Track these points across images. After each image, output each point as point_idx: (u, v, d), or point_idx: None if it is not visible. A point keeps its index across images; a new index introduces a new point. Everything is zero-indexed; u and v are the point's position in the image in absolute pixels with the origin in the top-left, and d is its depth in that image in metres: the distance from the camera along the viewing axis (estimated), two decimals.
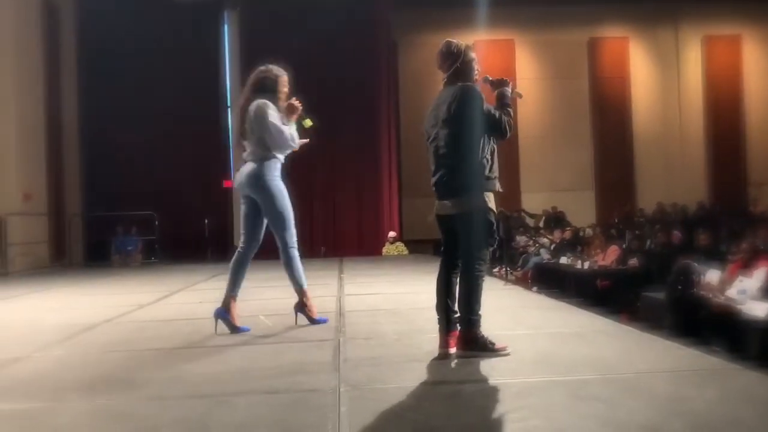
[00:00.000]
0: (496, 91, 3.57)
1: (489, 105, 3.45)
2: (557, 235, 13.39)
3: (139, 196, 13.16)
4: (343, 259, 11.47)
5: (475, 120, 3.39)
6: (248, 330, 4.25)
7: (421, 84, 16.58)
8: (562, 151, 16.88)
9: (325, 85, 13.87)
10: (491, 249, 3.53)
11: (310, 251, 13.25)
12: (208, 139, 14.48)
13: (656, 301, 5.93)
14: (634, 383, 2.76)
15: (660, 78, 17.36)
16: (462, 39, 14.86)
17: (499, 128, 3.41)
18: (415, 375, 2.98)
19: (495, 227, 3.47)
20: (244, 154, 4.36)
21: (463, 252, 3.45)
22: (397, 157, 14.78)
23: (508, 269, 13.02)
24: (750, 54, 17.24)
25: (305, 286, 4.40)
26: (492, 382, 2.87)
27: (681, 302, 5.27)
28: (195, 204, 13.79)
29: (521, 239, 14.96)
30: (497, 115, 3.41)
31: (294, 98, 4.42)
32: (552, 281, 9.47)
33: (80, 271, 11.42)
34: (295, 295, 4.43)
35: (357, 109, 14.21)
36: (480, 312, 3.40)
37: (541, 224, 15.36)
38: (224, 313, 4.26)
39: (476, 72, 3.60)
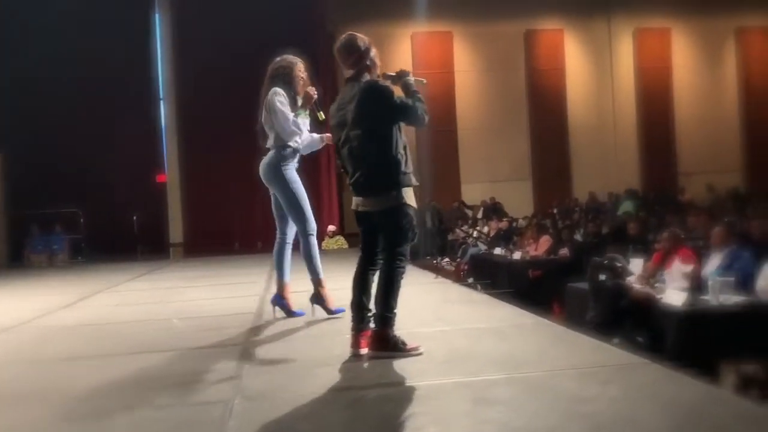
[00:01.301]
0: (399, 84, 3.46)
1: (400, 96, 3.35)
2: (493, 225, 13.53)
3: (66, 193, 12.61)
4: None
5: (386, 116, 3.30)
6: (303, 314, 4.43)
7: None
8: (500, 143, 17.02)
9: (259, 76, 13.52)
10: (411, 243, 3.44)
11: (246, 247, 13.02)
12: (139, 133, 14.01)
13: (581, 291, 5.99)
14: (541, 383, 2.71)
15: (594, 70, 17.67)
16: (400, 31, 14.94)
17: (416, 116, 3.32)
18: (321, 380, 2.87)
19: (414, 222, 3.40)
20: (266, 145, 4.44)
21: (383, 248, 3.37)
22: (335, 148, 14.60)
23: (448, 261, 13.24)
24: (679, 47, 17.72)
25: (322, 276, 4.43)
26: (398, 385, 2.78)
27: (602, 292, 5.32)
28: (124, 200, 13.33)
29: (460, 231, 15.10)
30: (411, 102, 3.32)
31: (311, 87, 4.42)
32: (486, 272, 9.52)
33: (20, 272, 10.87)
34: (310, 286, 4.46)
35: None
36: (396, 310, 3.31)
37: (480, 215, 15.48)
38: (280, 299, 4.47)
39: (379, 67, 3.50)
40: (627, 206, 13.70)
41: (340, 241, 13.17)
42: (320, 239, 13.36)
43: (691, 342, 4.78)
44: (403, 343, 3.27)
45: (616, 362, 3.01)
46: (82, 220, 12.30)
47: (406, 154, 3.38)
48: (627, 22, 17.59)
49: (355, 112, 3.32)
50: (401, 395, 2.62)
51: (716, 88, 17.85)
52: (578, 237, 9.98)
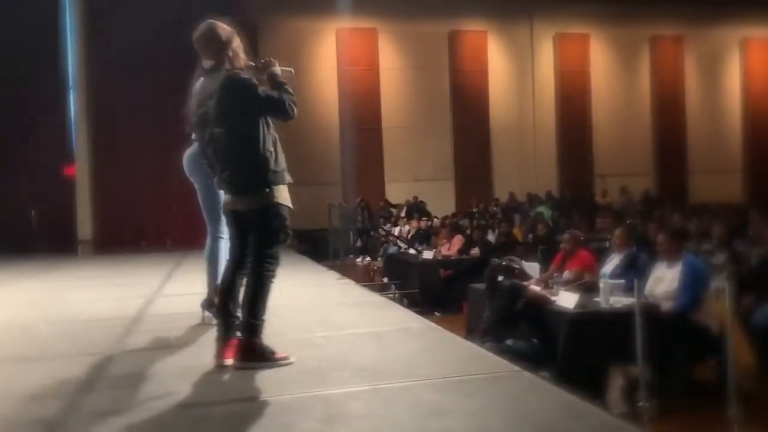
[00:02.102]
0: (266, 75, 3.28)
1: (264, 88, 3.16)
2: (414, 225, 13.53)
3: None
4: (193, 252, 10.85)
5: (250, 111, 3.11)
6: None
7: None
8: (424, 142, 17.07)
9: (174, 67, 13.06)
10: (282, 245, 3.26)
11: (156, 245, 12.50)
12: (46, 124, 13.25)
13: (482, 292, 5.98)
14: (403, 395, 2.60)
15: (516, 72, 17.96)
16: (325, 26, 14.61)
17: (283, 109, 3.14)
18: (171, 396, 2.66)
19: (287, 223, 3.22)
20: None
21: (252, 250, 3.18)
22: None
23: (369, 260, 13.13)
24: (596, 52, 18.23)
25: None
26: (250, 401, 2.61)
27: (498, 293, 5.31)
28: (29, 193, 12.57)
29: (381, 229, 15.04)
30: (276, 95, 3.14)
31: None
32: (400, 272, 9.44)
33: None
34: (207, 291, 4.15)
35: None
36: (264, 317, 3.13)
37: (403, 214, 15.47)
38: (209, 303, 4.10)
39: (244, 59, 3.30)
40: (542, 209, 13.97)
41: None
42: None
43: (581, 345, 4.81)
44: (272, 353, 3.10)
45: (488, 371, 2.93)
46: None
47: (276, 150, 3.20)
48: (548, 26, 17.96)
49: (217, 108, 3.12)
50: (249, 412, 2.44)
51: (631, 94, 18.48)
52: (492, 237, 10.06)
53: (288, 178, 3.26)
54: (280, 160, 3.21)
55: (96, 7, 13.81)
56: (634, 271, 5.54)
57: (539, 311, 5.19)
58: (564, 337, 4.84)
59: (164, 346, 3.63)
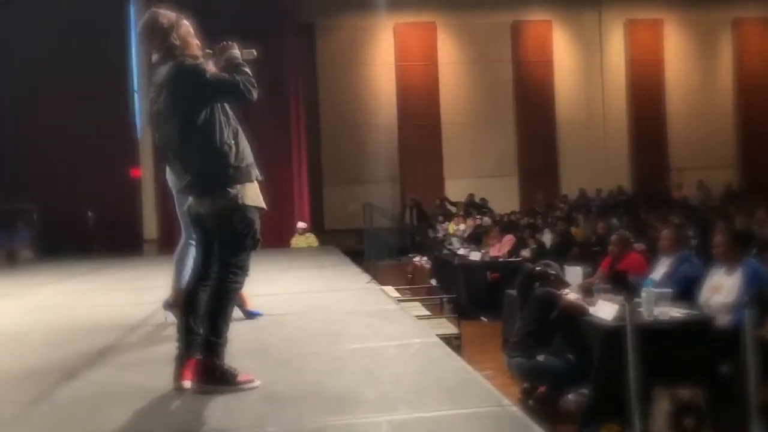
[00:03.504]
0: (223, 61, 2.96)
1: (214, 71, 2.85)
2: (471, 223, 13.03)
3: (29, 188, 12.19)
4: None
5: (200, 98, 2.80)
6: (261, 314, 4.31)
7: (340, 66, 16.02)
8: (485, 137, 16.49)
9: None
10: (251, 252, 2.94)
11: None
12: (111, 127, 13.56)
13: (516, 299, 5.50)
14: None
15: (583, 62, 17.07)
16: (382, 22, 14.13)
17: (237, 90, 2.81)
18: (112, 424, 2.39)
19: (255, 228, 2.90)
20: None
21: (216, 258, 2.88)
22: (307, 144, 14.13)
23: (426, 260, 12.73)
24: (671, 38, 17.08)
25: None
26: None
27: (531, 302, 4.82)
28: (93, 195, 12.87)
29: (439, 228, 14.62)
30: (228, 77, 2.82)
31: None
32: (446, 274, 9.01)
33: None
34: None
35: (260, 93, 13.48)
36: (226, 335, 2.82)
37: (461, 212, 14.98)
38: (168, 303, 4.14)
39: (197, 46, 2.99)
40: None
41: (311, 239, 12.70)
42: (289, 236, 12.92)
43: (620, 362, 4.26)
44: (233, 375, 2.79)
45: (472, 406, 2.51)
46: (35, 216, 11.88)
47: (237, 143, 2.88)
48: (618, 13, 16.97)
49: (166, 102, 2.83)
50: None
51: (710, 81, 17.21)
52: (548, 238, 9.45)
53: (256, 174, 2.93)
54: (242, 155, 2.89)
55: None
56: (683, 278, 4.95)
57: (575, 323, 4.67)
58: (600, 352, 4.32)
59: (134, 362, 3.40)
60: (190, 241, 3.86)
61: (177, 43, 2.89)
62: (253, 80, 2.87)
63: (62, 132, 12.67)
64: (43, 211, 12.01)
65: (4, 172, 12.57)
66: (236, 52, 2.97)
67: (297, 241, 12.66)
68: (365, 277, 6.47)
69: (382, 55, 16.53)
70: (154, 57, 2.92)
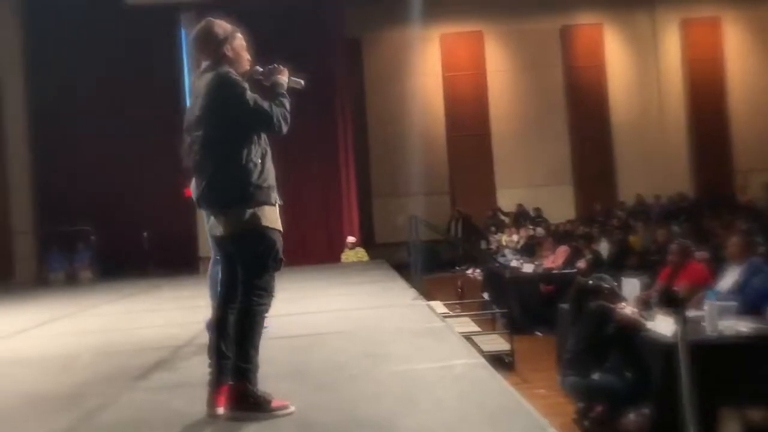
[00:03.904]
0: (269, 83, 2.91)
1: (255, 95, 2.79)
2: (524, 234, 12.73)
3: (86, 209, 12.55)
4: (289, 269, 10.81)
5: (232, 115, 2.74)
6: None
7: (387, 79, 16.00)
8: (537, 145, 16.15)
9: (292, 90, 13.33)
10: (274, 273, 2.85)
11: None
12: (166, 146, 13.85)
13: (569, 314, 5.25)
14: None
15: (637, 65, 16.57)
16: (428, 33, 14.04)
17: (269, 122, 2.75)
18: None
19: (277, 248, 2.81)
20: None
21: (240, 281, 2.80)
22: (355, 158, 14.12)
23: (479, 272, 12.48)
24: (731, 36, 16.40)
25: None
26: None
27: (584, 317, 4.58)
28: (149, 215, 13.16)
29: (494, 239, 14.36)
30: (266, 106, 2.76)
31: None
32: (499, 286, 8.76)
33: (16, 291, 10.84)
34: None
35: (309, 109, 13.58)
36: (256, 359, 2.73)
37: (512, 223, 14.69)
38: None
39: (248, 62, 2.94)
40: None
41: (360, 253, 12.63)
42: (339, 251, 12.90)
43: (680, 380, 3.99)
44: (267, 401, 2.69)
45: None
46: (92, 237, 12.21)
47: (263, 163, 2.81)
48: (672, 13, 16.42)
49: (201, 108, 2.79)
50: None
51: None
52: (604, 248, 9.09)
53: (276, 198, 2.85)
54: (266, 176, 2.81)
55: None
56: (754, 289, 4.62)
57: (632, 339, 4.41)
58: (660, 370, 4.05)
59: (173, 385, 3.37)
60: (218, 257, 3.78)
61: (229, 54, 2.86)
62: (288, 115, 2.81)
63: (118, 154, 12.99)
64: (101, 233, 12.33)
65: (64, 195, 13.01)
66: (284, 78, 2.93)
67: (347, 255, 12.62)
68: (412, 293, 6.32)
69: (429, 66, 16.44)
70: (204, 65, 2.89)
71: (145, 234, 11.64)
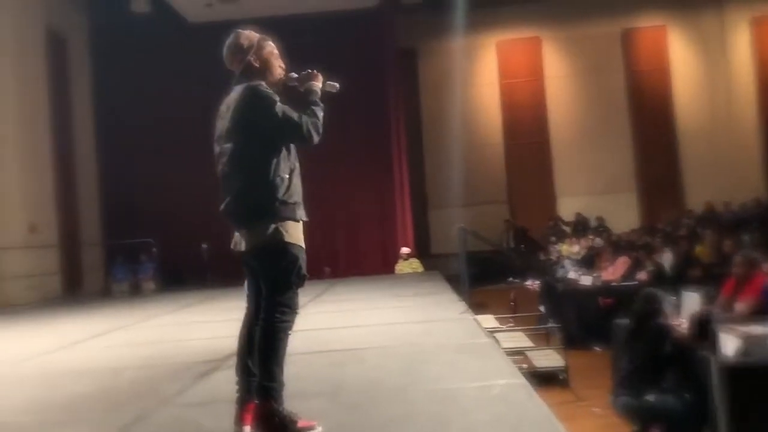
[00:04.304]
0: (304, 88, 2.86)
1: (285, 106, 2.74)
2: (584, 244, 12.34)
3: (156, 223, 12.92)
4: (342, 280, 10.85)
5: (259, 128, 2.70)
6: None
7: (443, 89, 15.87)
8: (598, 152, 15.71)
9: (347, 106, 13.50)
10: (298, 289, 2.79)
11: (313, 272, 12.64)
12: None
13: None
14: None
15: (704, 66, 15.90)
16: (484, 41, 13.97)
17: (298, 133, 2.70)
18: None
19: (300, 264, 2.75)
20: None
21: (263, 297, 2.75)
22: (409, 168, 14.03)
23: (537, 282, 12.15)
24: None
25: None
26: None
27: (640, 334, 4.32)
28: (204, 227, 13.41)
29: (554, 249, 13.99)
30: (296, 117, 2.71)
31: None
32: (556, 299, 8.49)
33: (82, 302, 11.24)
34: None
35: (363, 120, 13.64)
36: (281, 377, 2.67)
37: (571, 232, 14.29)
38: None
39: (280, 69, 2.90)
40: None
41: (415, 264, 12.52)
42: (394, 262, 12.81)
43: (744, 405, 3.71)
44: (293, 421, 2.62)
45: None
46: (154, 249, 12.53)
47: (291, 179, 2.76)
48: (742, 11, 15.74)
49: (230, 121, 2.76)
50: None
51: None
52: (668, 259, 8.67)
53: (301, 214, 2.78)
54: (292, 191, 2.76)
55: None
56: None
57: (690, 358, 4.14)
58: (720, 393, 3.78)
59: (208, 401, 3.34)
60: None
61: (256, 64, 2.83)
62: (320, 124, 2.76)
63: (179, 169, 13.34)
64: (163, 245, 12.65)
65: (129, 209, 13.46)
66: (318, 84, 2.88)
67: (401, 266, 12.53)
68: (461, 306, 6.17)
69: (485, 74, 16.26)
70: (235, 77, 2.88)
71: (204, 246, 11.86)
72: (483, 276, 13.49)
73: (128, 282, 12.66)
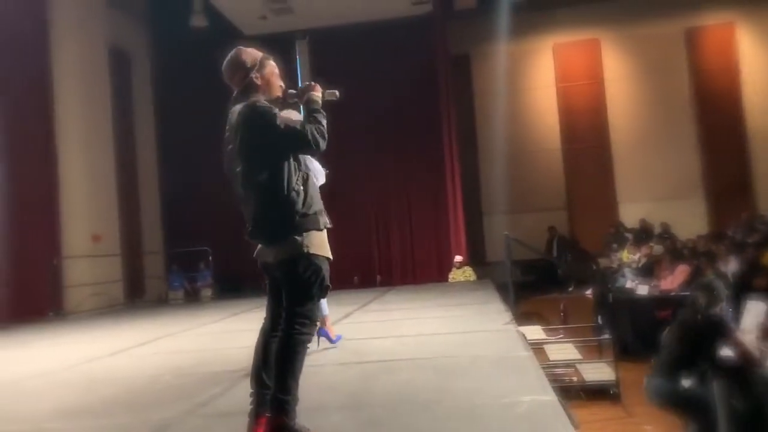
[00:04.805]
0: (304, 100, 2.82)
1: (285, 118, 2.71)
2: (645, 251, 11.85)
3: (212, 231, 13.22)
4: (393, 289, 10.77)
5: (266, 143, 2.67)
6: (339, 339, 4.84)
7: (497, 94, 15.62)
8: (662, 156, 15.13)
9: (383, 110, 13.50)
10: (318, 301, 2.76)
11: (365, 280, 12.60)
12: None
13: None
14: None
15: None
16: (540, 44, 13.79)
17: (304, 141, 2.66)
18: None
19: (323, 275, 2.71)
20: None
21: (284, 308, 2.72)
22: (463, 175, 13.84)
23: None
24: None
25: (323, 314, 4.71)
26: None
27: (695, 322, 4.06)
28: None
29: (615, 257, 13.53)
30: (298, 126, 2.67)
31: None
32: (612, 310, 8.13)
33: (141, 309, 11.60)
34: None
35: (415, 126, 13.58)
36: (296, 392, 2.62)
37: (634, 239, 13.74)
38: (323, 330, 4.73)
39: (280, 88, 2.87)
40: None
41: (468, 272, 12.33)
42: (448, 270, 12.65)
43: None
44: None
45: None
46: (211, 257, 12.78)
47: (306, 189, 2.72)
48: None
49: (237, 142, 2.74)
50: None
51: None
52: (732, 267, 8.20)
53: (324, 221, 2.75)
54: (311, 201, 2.73)
55: (319, 59, 14.58)
56: None
57: (740, 375, 3.85)
58: None
59: (230, 412, 3.30)
60: None
61: (258, 82, 2.83)
62: (324, 130, 2.72)
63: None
64: (220, 253, 12.90)
65: (188, 218, 13.80)
66: (317, 94, 2.85)
67: (454, 275, 12.36)
68: (506, 317, 5.99)
69: (541, 77, 15.92)
70: (234, 94, 2.87)
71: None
72: (538, 285, 13.20)
73: (185, 289, 12.99)
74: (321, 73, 14.80)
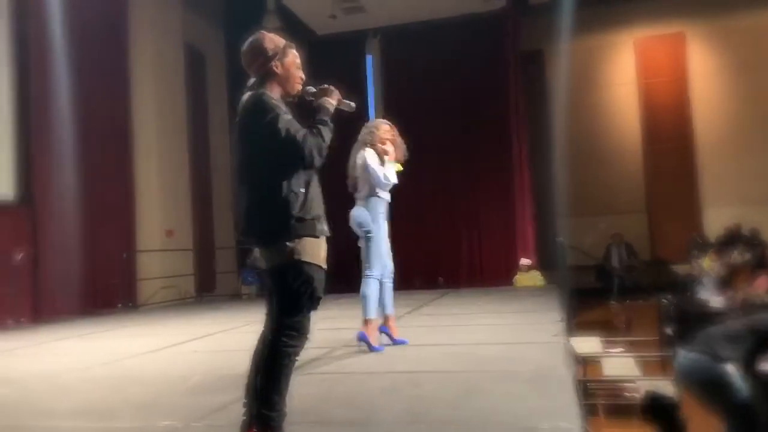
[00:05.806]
0: (317, 103, 2.69)
1: (289, 121, 2.57)
2: (725, 259, 11.05)
3: None
4: (454, 291, 10.54)
5: (267, 140, 2.55)
6: (381, 350, 4.77)
7: (573, 91, 14.96)
8: (753, 156, 14.11)
9: (453, 103, 13.28)
10: (309, 313, 2.62)
11: (426, 282, 12.36)
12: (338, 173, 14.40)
13: None
14: None
15: None
16: (619, 38, 13.22)
17: (300, 155, 2.54)
18: None
19: (316, 285, 2.57)
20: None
21: (272, 318, 2.61)
22: (534, 176, 13.40)
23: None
24: None
25: (368, 316, 4.80)
26: None
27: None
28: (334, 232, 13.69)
29: (696, 265, 12.74)
30: (298, 138, 2.53)
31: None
32: (680, 324, 7.58)
33: (210, 303, 11.89)
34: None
35: (484, 126, 13.26)
36: (283, 407, 2.51)
37: (719, 245, 12.87)
38: (363, 334, 4.78)
39: (300, 80, 2.75)
40: None
41: (536, 277, 11.91)
42: (513, 273, 12.26)
43: None
44: None
45: None
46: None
47: (307, 192, 2.59)
48: None
49: (238, 133, 2.64)
50: None
51: None
52: None
53: (321, 229, 2.61)
54: (309, 206, 2.59)
55: (391, 58, 14.48)
56: None
57: None
58: None
59: (235, 423, 3.23)
60: (367, 273, 4.79)
61: (278, 71, 2.71)
62: (325, 146, 2.60)
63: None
64: None
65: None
66: (332, 101, 2.74)
67: (520, 278, 11.98)
68: (555, 328, 5.68)
69: (621, 74, 15.20)
70: (250, 82, 2.77)
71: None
72: (605, 292, 12.63)
73: (256, 285, 13.20)
74: (390, 72, 14.81)
